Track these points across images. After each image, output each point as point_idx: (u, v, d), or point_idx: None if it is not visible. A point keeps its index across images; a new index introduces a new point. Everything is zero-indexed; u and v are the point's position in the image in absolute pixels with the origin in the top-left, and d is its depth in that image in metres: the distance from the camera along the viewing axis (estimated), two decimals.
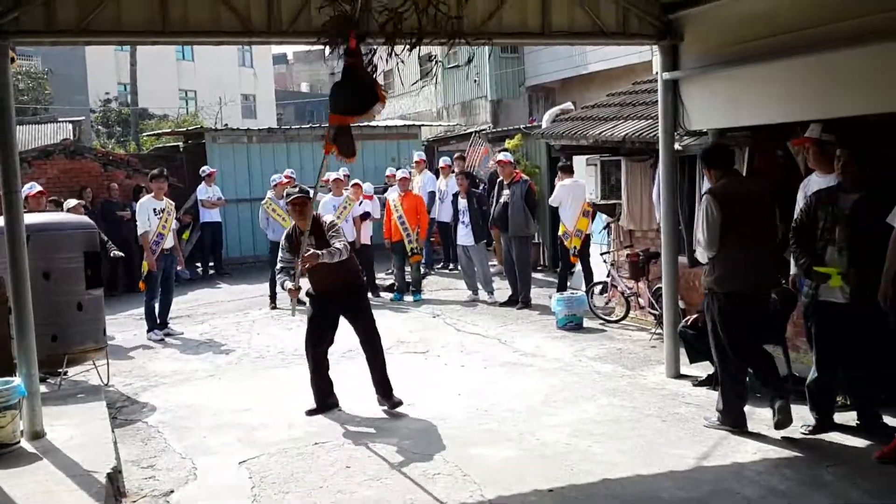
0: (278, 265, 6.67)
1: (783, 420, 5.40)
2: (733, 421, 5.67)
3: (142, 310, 9.88)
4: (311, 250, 6.17)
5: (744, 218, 5.46)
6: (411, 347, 8.76)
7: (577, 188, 10.62)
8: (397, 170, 13.91)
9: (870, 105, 5.27)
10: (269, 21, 6.02)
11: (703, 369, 6.78)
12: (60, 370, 7.19)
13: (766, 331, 5.78)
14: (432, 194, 13.41)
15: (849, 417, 5.70)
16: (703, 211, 5.54)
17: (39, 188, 9.09)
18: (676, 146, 7.29)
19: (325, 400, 6.58)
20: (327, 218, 6.87)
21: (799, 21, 5.62)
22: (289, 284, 6.37)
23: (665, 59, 6.97)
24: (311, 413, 6.48)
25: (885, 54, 5.01)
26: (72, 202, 9.89)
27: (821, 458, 5.15)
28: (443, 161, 13.92)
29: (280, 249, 6.65)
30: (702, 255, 5.77)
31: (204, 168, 15.21)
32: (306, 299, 6.69)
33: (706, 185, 5.87)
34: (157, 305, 9.90)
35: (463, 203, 11.42)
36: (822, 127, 5.82)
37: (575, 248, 10.67)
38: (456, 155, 13.86)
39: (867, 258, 5.13)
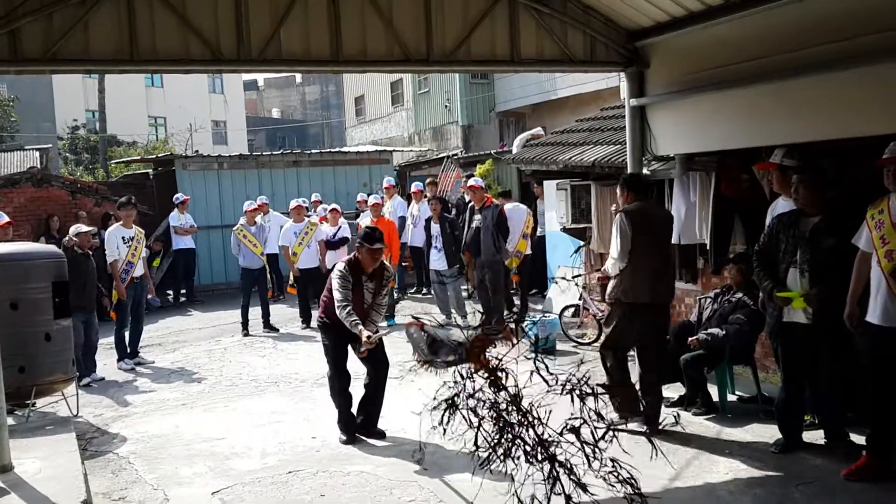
0: (342, 302, 6.20)
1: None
2: (623, 406, 6.08)
3: (112, 339, 9.76)
4: (375, 335, 6.18)
5: (650, 237, 6.11)
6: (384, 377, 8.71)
7: (517, 211, 11.15)
8: (369, 195, 13.93)
9: (830, 130, 5.42)
10: (239, 49, 6.06)
11: (676, 390, 6.85)
12: (28, 402, 7.07)
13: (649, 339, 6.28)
14: (403, 219, 13.45)
15: (817, 436, 5.78)
16: (617, 227, 6.13)
17: (7, 218, 8.98)
18: (644, 171, 7.40)
19: (355, 426, 6.51)
20: (391, 267, 6.83)
21: (762, 49, 5.77)
22: (366, 334, 6.08)
23: (632, 85, 7.10)
24: (347, 442, 6.37)
25: (842, 81, 5.17)
26: (82, 228, 9.19)
27: (790, 477, 5.21)
28: (415, 186, 13.99)
29: (341, 286, 6.27)
30: (613, 267, 6.25)
31: (178, 195, 15.13)
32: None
33: (623, 207, 6.35)
34: (127, 334, 9.80)
35: (436, 228, 11.46)
36: (784, 152, 5.95)
37: (515, 268, 11.32)
38: (428, 180, 13.93)
39: (828, 279, 5.26)
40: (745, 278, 6.69)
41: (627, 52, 6.95)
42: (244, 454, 6.25)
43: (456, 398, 4.51)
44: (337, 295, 6.25)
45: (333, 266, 11.18)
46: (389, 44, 6.40)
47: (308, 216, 12.19)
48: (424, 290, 13.82)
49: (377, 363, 6.44)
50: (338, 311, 6.20)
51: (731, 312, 6.61)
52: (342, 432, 6.45)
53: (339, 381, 6.47)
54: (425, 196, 13.24)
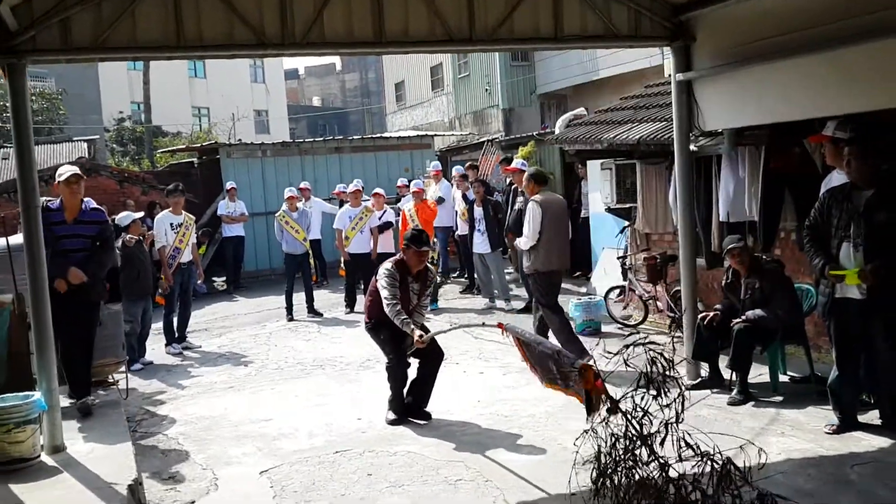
0: (392, 300, 6.31)
1: None
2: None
3: (160, 324, 9.93)
4: (427, 335, 6.23)
5: (554, 219, 7.84)
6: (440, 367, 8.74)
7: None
8: (410, 181, 13.92)
9: (884, 100, 5.23)
10: (283, 33, 6.05)
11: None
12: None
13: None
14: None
15: (872, 416, 5.64)
16: (530, 212, 7.83)
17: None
18: (692, 147, 7.25)
19: (404, 407, 6.55)
20: (433, 270, 7.03)
21: (810, 18, 5.60)
22: (418, 333, 6.16)
23: (678, 60, 6.95)
24: (395, 423, 6.42)
25: (891, 50, 4.98)
26: (129, 216, 9.22)
27: (845, 458, 5.10)
28: (455, 171, 13.90)
29: (389, 285, 6.38)
30: (526, 244, 7.89)
31: (230, 182, 15.29)
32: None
33: (532, 197, 7.97)
34: (175, 319, 9.95)
35: (479, 211, 11.42)
36: (836, 124, 5.78)
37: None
38: (468, 164, 13.85)
39: (883, 254, 5.10)
40: (747, 259, 6.59)
41: (673, 25, 6.80)
42: (291, 435, 6.30)
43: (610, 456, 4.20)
44: (385, 293, 6.32)
45: (381, 254, 11.44)
46: (431, 23, 6.33)
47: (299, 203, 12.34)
48: (466, 275, 13.75)
49: (432, 354, 6.47)
50: (387, 310, 6.28)
51: (772, 294, 6.47)
52: (392, 412, 6.47)
53: (399, 368, 6.46)
54: (463, 180, 13.02)
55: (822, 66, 5.57)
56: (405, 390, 6.51)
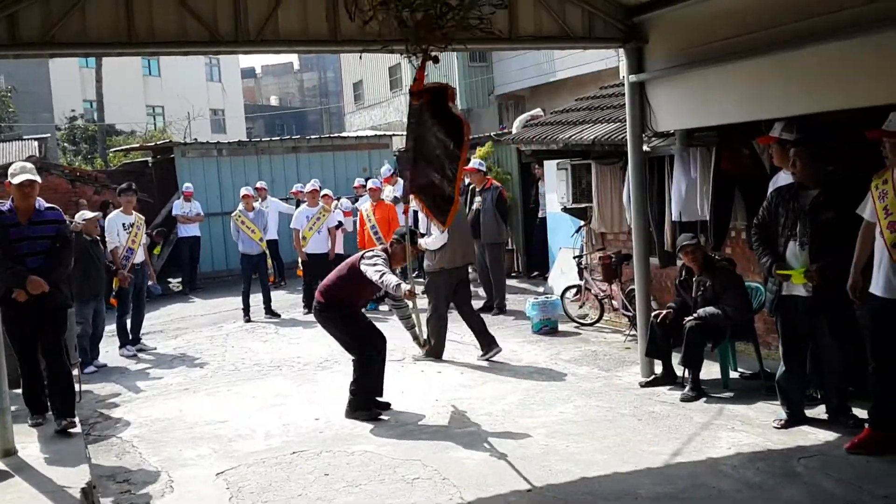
0: (382, 271, 6.40)
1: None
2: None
3: (113, 326, 9.77)
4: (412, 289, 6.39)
5: (458, 218, 7.86)
6: (387, 355, 8.71)
7: None
8: (367, 180, 13.87)
9: (831, 101, 5.37)
10: (237, 30, 6.00)
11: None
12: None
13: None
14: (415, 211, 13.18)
15: (819, 411, 5.79)
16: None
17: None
18: (645, 148, 7.37)
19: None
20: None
21: (760, 21, 5.72)
22: (406, 287, 6.28)
23: (631, 61, 7.05)
24: (374, 418, 6.49)
25: (843, 51, 5.12)
26: (87, 214, 9.03)
27: (793, 451, 5.22)
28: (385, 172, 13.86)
29: (382, 263, 6.50)
30: (435, 244, 8.30)
31: (187, 185, 15.10)
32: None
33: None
34: (128, 321, 9.81)
35: None
36: (783, 125, 5.92)
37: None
38: None
39: (828, 252, 5.25)
40: (700, 257, 6.73)
41: (626, 27, 6.89)
42: (248, 436, 6.26)
43: None
44: (379, 268, 6.40)
45: (338, 255, 11.41)
46: (389, 22, 6.34)
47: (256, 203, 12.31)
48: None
49: (380, 338, 6.68)
50: (378, 278, 6.31)
51: (723, 292, 6.61)
52: (364, 409, 6.50)
53: (380, 354, 6.62)
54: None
55: (770, 68, 5.70)
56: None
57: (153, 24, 5.86)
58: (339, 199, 13.37)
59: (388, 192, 13.03)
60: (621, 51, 7.24)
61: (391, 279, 6.30)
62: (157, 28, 5.87)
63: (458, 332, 9.47)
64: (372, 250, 6.79)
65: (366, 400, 6.55)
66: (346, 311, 6.60)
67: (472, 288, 9.10)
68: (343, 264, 6.84)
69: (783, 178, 5.91)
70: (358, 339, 6.59)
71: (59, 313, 6.09)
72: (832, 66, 5.25)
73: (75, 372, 7.45)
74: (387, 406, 6.66)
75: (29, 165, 6.12)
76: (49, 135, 28.22)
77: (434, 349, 8.36)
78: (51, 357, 5.99)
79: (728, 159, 7.24)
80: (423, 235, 8.42)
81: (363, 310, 6.95)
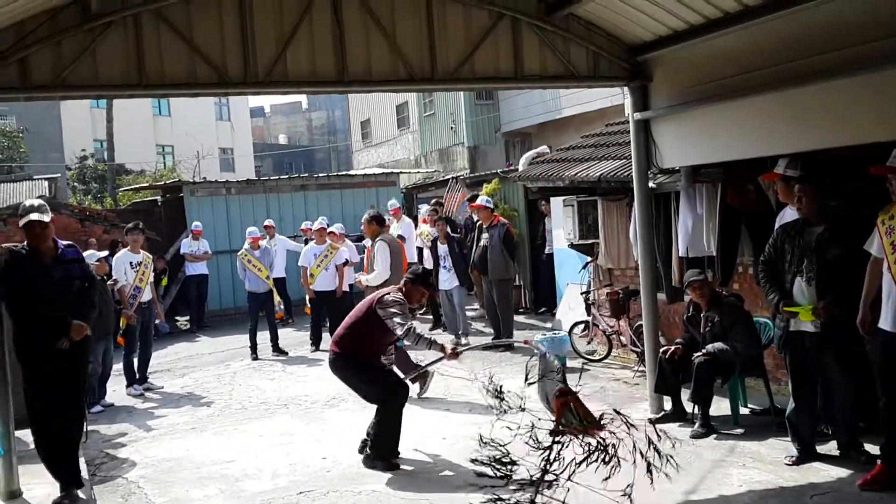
0: (407, 323, 6.12)
1: None
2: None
3: (120, 365, 9.77)
4: (460, 348, 6.35)
5: (396, 255, 9.06)
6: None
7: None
8: None
9: (835, 138, 5.41)
10: (245, 72, 6.10)
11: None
12: None
13: None
14: (419, 249, 13.23)
15: (831, 447, 5.73)
16: (381, 251, 8.97)
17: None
18: (650, 184, 7.40)
19: None
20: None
21: (764, 59, 5.78)
22: (450, 346, 6.16)
23: (636, 99, 7.11)
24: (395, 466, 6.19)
25: (846, 89, 5.17)
26: (96, 254, 9.06)
27: (805, 488, 5.17)
28: (392, 206, 13.95)
29: (402, 311, 6.20)
30: (377, 279, 8.74)
31: (196, 224, 15.21)
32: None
33: (377, 237, 9.20)
34: (135, 360, 9.81)
35: (443, 248, 11.46)
36: (787, 162, 5.95)
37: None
38: (433, 201, 13.90)
39: (835, 289, 5.25)
40: (707, 292, 6.71)
41: (630, 66, 6.97)
42: (255, 476, 6.22)
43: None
44: (399, 319, 6.07)
45: (344, 292, 11.45)
46: (394, 63, 6.43)
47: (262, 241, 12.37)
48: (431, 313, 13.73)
49: (402, 388, 6.38)
50: (402, 332, 6.01)
51: (731, 328, 6.58)
52: (391, 453, 6.23)
53: (403, 395, 6.27)
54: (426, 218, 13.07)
55: (774, 105, 5.75)
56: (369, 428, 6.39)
57: (163, 67, 5.96)
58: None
59: (394, 229, 13.06)
60: (626, 89, 7.30)
61: (420, 336, 6.01)
62: (168, 71, 5.97)
63: (466, 369, 9.43)
64: (391, 295, 6.31)
65: (386, 450, 6.22)
66: (363, 360, 6.26)
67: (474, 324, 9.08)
68: (356, 309, 6.49)
69: (790, 214, 5.92)
70: (379, 388, 6.22)
71: (83, 359, 5.72)
72: (833, 103, 5.30)
73: None
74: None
75: (38, 203, 5.67)
76: (59, 175, 28.44)
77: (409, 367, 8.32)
78: (71, 411, 5.60)
79: (734, 195, 7.26)
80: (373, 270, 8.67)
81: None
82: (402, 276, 8.30)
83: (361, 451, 6.35)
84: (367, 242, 12.49)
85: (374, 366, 6.27)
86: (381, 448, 6.20)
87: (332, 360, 6.38)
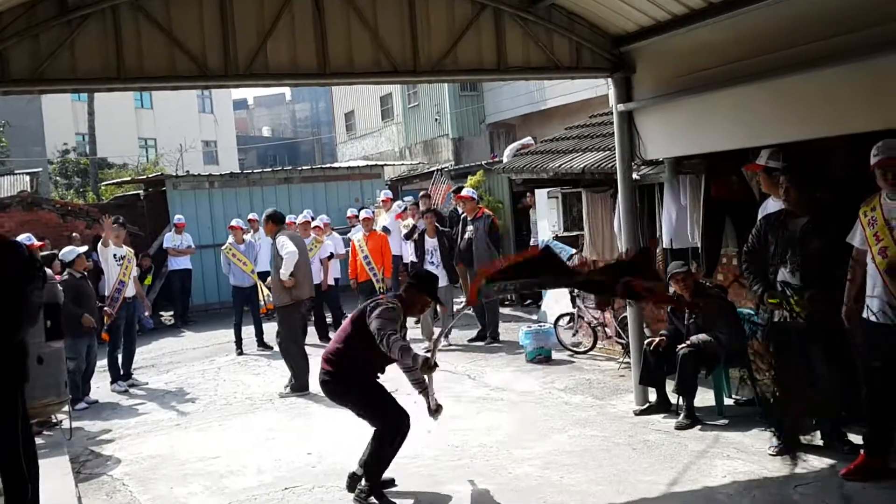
0: (394, 335, 5.04)
1: None
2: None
3: (105, 361, 9.69)
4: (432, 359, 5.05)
5: (302, 253, 9.07)
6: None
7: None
8: (360, 210, 13.89)
9: (818, 129, 5.41)
10: (226, 64, 6.02)
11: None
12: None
13: None
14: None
15: (815, 437, 5.75)
16: (284, 247, 8.73)
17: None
18: (634, 176, 7.39)
19: None
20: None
21: (747, 50, 5.76)
22: (423, 357, 5.00)
23: (619, 91, 7.09)
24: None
25: (829, 79, 5.16)
26: (74, 251, 9.02)
27: (789, 479, 5.19)
28: (384, 195, 13.90)
29: (392, 319, 5.16)
30: (286, 276, 8.71)
31: (179, 216, 15.10)
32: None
33: (278, 234, 8.99)
34: (119, 356, 9.73)
35: (431, 242, 11.25)
36: (769, 153, 5.95)
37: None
38: (421, 193, 13.86)
39: (819, 278, 5.27)
40: (691, 284, 6.72)
41: (613, 57, 6.95)
42: (240, 472, 6.19)
43: None
44: (380, 322, 5.08)
45: (330, 285, 11.39)
46: (376, 55, 6.38)
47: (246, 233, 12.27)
48: None
49: (404, 416, 5.46)
50: (387, 342, 4.96)
51: (715, 319, 6.60)
52: (379, 479, 5.41)
53: (405, 423, 5.39)
54: (410, 211, 13.01)
55: (758, 96, 5.74)
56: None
57: (142, 60, 5.88)
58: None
59: (383, 221, 13.00)
60: (610, 80, 7.29)
61: (404, 345, 4.96)
62: (147, 63, 5.89)
63: (452, 362, 9.44)
64: (389, 302, 5.35)
65: (379, 484, 5.38)
66: (358, 380, 5.41)
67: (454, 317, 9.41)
68: (347, 320, 5.62)
69: (772, 205, 5.92)
70: (378, 412, 5.37)
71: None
72: (817, 94, 5.30)
73: (66, 408, 7.40)
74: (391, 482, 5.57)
75: None
76: (41, 169, 28.18)
77: (298, 382, 8.70)
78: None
79: (717, 186, 7.27)
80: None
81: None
82: (306, 272, 9.09)
83: (351, 488, 5.45)
84: (353, 235, 12.53)
85: (370, 386, 5.43)
86: (375, 477, 5.37)
87: (322, 381, 5.50)
